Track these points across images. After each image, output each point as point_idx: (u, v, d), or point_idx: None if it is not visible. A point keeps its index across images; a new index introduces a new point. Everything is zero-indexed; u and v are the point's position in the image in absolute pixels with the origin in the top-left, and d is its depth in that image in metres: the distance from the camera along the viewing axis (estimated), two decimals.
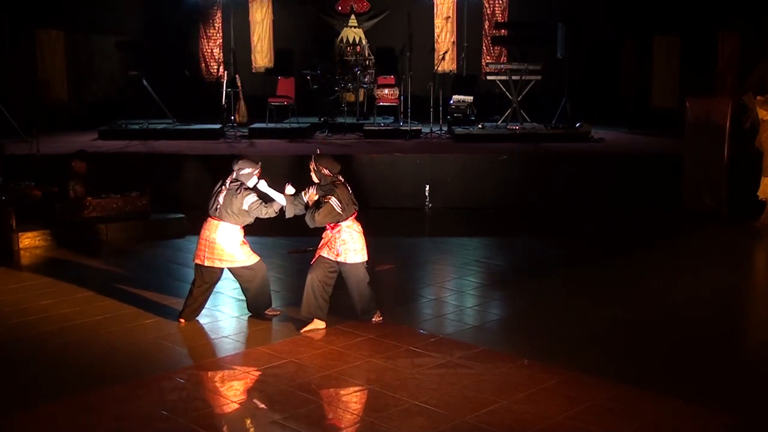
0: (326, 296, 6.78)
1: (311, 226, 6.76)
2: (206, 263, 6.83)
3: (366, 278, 6.84)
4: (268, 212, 6.80)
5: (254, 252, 6.98)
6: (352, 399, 5.48)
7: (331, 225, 6.75)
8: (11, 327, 6.96)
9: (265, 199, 6.83)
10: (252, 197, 6.74)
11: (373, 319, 6.92)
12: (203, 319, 7.10)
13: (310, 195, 6.83)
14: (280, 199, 6.86)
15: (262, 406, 5.52)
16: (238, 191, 6.72)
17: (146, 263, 9.09)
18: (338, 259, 6.74)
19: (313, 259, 6.86)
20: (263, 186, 6.88)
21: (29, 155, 11.66)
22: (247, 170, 6.80)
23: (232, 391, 5.73)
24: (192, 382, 5.78)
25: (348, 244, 6.73)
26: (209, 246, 6.81)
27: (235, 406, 5.49)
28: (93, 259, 9.30)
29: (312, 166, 6.82)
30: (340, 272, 6.82)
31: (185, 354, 6.38)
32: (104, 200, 10.28)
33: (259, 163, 6.96)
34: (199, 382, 5.83)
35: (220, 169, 11.92)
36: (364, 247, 6.84)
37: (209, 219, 6.85)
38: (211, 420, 5.19)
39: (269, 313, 7.09)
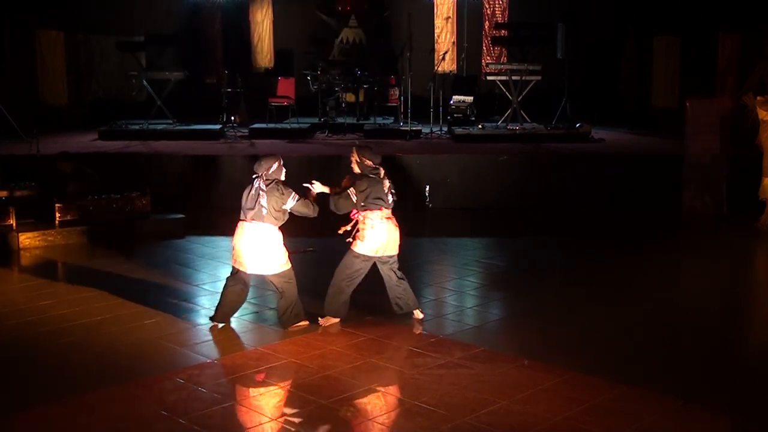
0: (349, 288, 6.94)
1: (334, 210, 6.84)
2: (249, 270, 6.65)
3: (349, 274, 6.85)
4: (309, 211, 6.70)
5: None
6: (352, 399, 5.48)
7: (355, 212, 6.86)
8: (10, 327, 6.95)
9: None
10: (294, 196, 6.62)
11: (321, 322, 6.92)
12: (203, 319, 7.10)
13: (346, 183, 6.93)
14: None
15: (263, 406, 5.51)
16: (280, 191, 6.56)
17: (146, 263, 9.08)
18: (352, 247, 6.86)
19: None
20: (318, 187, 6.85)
21: (29, 155, 11.66)
22: (275, 165, 6.65)
23: (232, 391, 5.73)
24: (192, 382, 5.78)
25: (365, 233, 6.79)
26: (251, 251, 6.61)
27: (235, 406, 5.49)
28: (92, 259, 9.30)
29: (354, 157, 6.88)
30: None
31: (185, 354, 6.37)
32: (104, 200, 10.28)
33: (278, 154, 6.88)
34: (199, 382, 5.82)
35: (221, 169, 12.06)
36: (383, 245, 6.85)
37: (243, 223, 6.64)
38: (211, 420, 5.18)
39: (294, 328, 6.85)
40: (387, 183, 6.89)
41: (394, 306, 7.02)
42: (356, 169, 6.89)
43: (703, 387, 5.71)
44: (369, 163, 6.85)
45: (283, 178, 6.72)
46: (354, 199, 6.76)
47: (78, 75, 16.32)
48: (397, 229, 6.96)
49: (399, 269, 7.02)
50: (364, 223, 6.83)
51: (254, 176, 6.68)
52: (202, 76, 17.09)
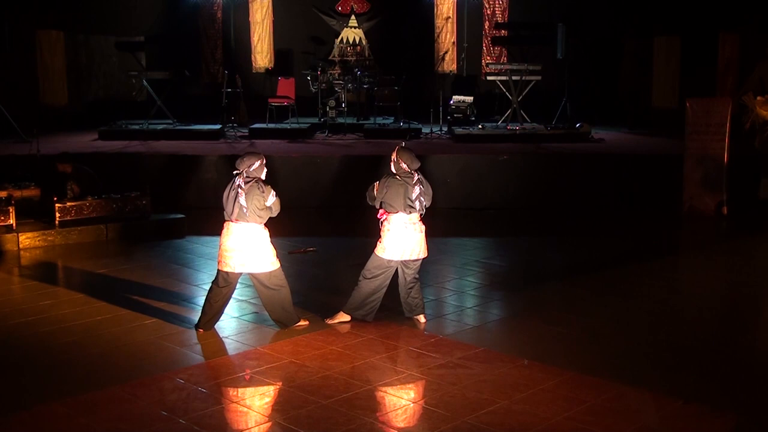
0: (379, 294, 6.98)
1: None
2: (237, 269, 6.60)
3: (370, 275, 6.84)
4: (277, 212, 6.67)
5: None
6: (352, 399, 5.48)
7: (381, 212, 6.88)
8: (11, 327, 6.95)
9: None
10: (274, 193, 6.59)
11: (334, 321, 6.97)
12: None
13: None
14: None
15: (262, 406, 5.52)
16: (260, 189, 6.50)
17: (146, 264, 9.09)
18: (374, 249, 6.89)
19: None
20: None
21: (29, 155, 11.66)
22: (257, 163, 6.57)
23: (232, 391, 5.73)
24: (192, 382, 5.78)
25: (382, 234, 6.82)
26: (238, 250, 6.56)
27: (235, 406, 5.49)
28: (93, 259, 9.29)
29: (393, 156, 6.83)
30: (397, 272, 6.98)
31: (185, 354, 6.37)
32: (104, 200, 10.29)
33: (261, 152, 6.85)
34: (199, 382, 5.82)
35: (221, 169, 12.05)
36: (402, 249, 6.79)
37: (229, 223, 6.58)
38: (211, 420, 5.18)
39: (295, 327, 6.86)
40: (417, 190, 6.73)
41: (404, 307, 7.05)
42: (392, 168, 6.86)
43: (703, 387, 5.71)
44: (403, 166, 6.76)
45: (263, 177, 6.65)
46: (374, 194, 6.83)
47: (78, 75, 16.33)
48: (421, 233, 6.88)
49: (417, 274, 7.01)
50: (383, 225, 6.86)
51: (235, 173, 6.58)
52: (202, 76, 17.11)
